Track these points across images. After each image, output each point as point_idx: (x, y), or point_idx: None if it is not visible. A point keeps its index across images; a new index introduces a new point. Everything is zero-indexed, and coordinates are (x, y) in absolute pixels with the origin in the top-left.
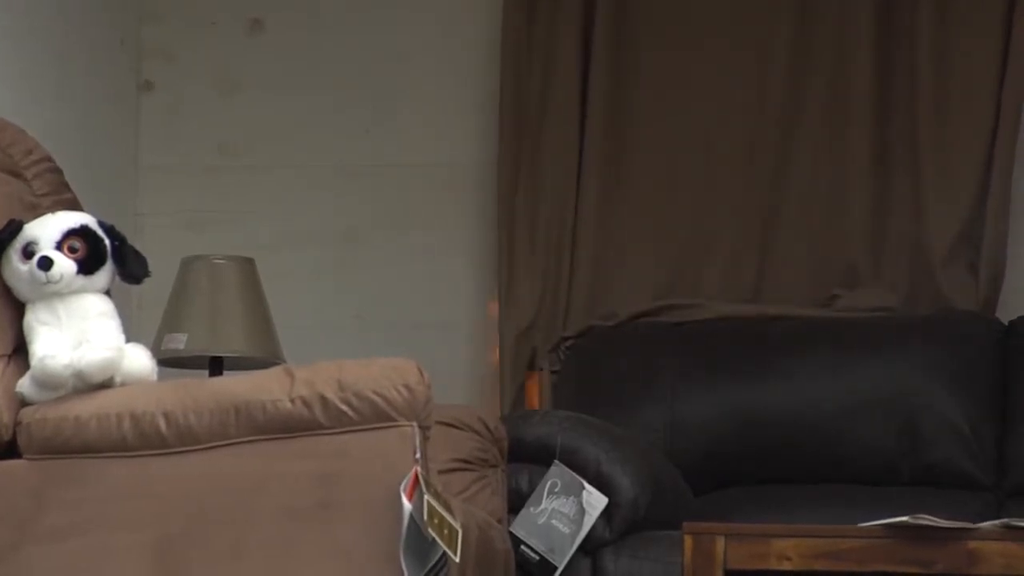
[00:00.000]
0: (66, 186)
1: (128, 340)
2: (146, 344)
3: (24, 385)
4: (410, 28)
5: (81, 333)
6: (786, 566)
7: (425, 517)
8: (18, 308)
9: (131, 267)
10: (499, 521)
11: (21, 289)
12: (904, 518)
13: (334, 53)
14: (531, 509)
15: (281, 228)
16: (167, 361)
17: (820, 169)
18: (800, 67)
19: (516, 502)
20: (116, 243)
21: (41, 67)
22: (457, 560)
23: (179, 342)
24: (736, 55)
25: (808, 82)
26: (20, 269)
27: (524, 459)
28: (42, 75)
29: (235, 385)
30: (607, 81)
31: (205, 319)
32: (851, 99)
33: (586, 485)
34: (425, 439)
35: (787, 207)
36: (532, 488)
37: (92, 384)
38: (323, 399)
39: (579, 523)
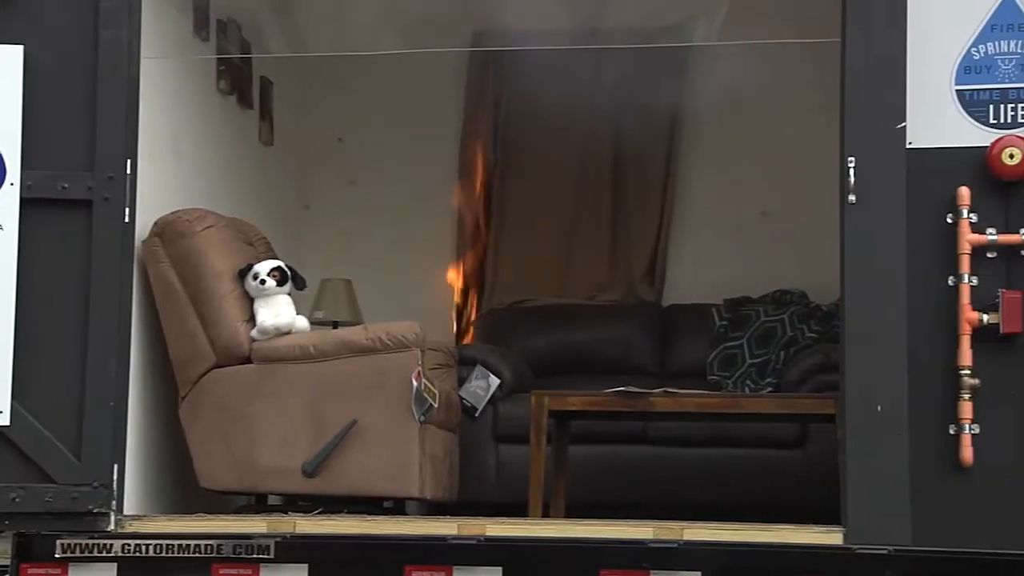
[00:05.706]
0: (269, 247)
1: (298, 314)
2: (305, 316)
3: (253, 333)
4: None
5: (278, 312)
6: (573, 407)
7: (423, 388)
8: (250, 301)
9: (300, 283)
10: (453, 390)
11: (252, 294)
12: (622, 388)
13: None
14: (467, 385)
15: None
16: (315, 322)
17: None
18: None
19: (460, 382)
20: (292, 272)
21: None
22: (436, 406)
23: (319, 315)
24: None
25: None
26: (252, 284)
27: (464, 363)
28: None
29: (342, 332)
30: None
31: (329, 304)
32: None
33: (490, 374)
34: (423, 355)
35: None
36: (467, 376)
37: (283, 333)
38: (380, 339)
39: (487, 390)
